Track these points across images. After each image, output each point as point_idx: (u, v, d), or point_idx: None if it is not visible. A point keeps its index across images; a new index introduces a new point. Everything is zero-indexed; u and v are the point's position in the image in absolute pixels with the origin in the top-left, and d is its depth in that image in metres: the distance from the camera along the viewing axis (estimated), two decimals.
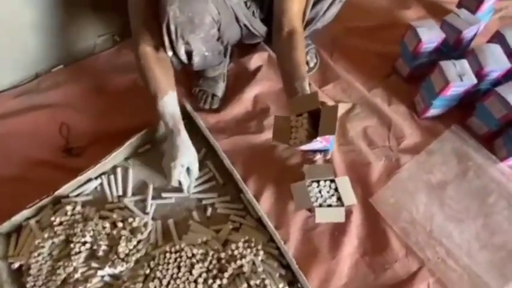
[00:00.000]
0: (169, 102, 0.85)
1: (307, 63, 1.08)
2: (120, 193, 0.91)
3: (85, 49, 1.18)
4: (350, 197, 0.84)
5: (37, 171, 0.96)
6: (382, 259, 0.84)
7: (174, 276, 0.77)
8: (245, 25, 0.92)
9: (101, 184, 0.92)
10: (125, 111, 1.05)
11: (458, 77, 0.86)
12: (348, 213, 0.86)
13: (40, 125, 1.04)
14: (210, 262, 0.78)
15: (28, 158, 0.98)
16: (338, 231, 0.87)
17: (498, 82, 0.92)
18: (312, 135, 0.73)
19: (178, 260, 0.78)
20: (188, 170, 0.87)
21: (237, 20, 0.90)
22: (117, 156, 0.92)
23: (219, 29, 0.86)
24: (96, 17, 1.15)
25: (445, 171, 0.93)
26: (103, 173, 0.93)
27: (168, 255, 0.79)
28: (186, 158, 0.85)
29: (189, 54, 0.86)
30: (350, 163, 0.95)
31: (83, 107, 1.07)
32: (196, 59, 0.88)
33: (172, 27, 0.77)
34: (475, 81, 0.86)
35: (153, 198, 0.90)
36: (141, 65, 0.84)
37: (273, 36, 0.89)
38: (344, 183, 0.85)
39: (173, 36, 0.79)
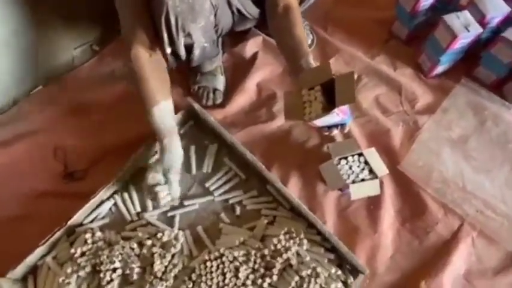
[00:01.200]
0: (166, 110, 0.78)
1: None
2: (139, 209, 0.84)
3: (63, 65, 1.08)
4: (381, 167, 0.82)
5: (40, 204, 0.87)
6: (422, 223, 0.83)
7: (220, 284, 0.72)
8: (237, 9, 0.87)
9: (115, 204, 0.84)
10: (119, 122, 0.97)
11: (465, 28, 0.85)
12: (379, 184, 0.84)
13: (31, 154, 0.94)
14: (254, 262, 0.74)
15: (27, 192, 0.89)
16: (373, 204, 0.84)
17: (498, 29, 0.92)
18: (327, 108, 0.69)
19: (221, 266, 0.73)
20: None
21: (229, 4, 0.84)
22: (126, 173, 0.85)
23: (215, 16, 0.80)
24: (69, 28, 1.05)
25: (464, 125, 0.92)
26: (115, 192, 0.85)
27: (208, 264, 0.73)
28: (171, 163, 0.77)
29: (189, 48, 0.80)
30: (369, 134, 0.93)
31: (74, 126, 0.98)
32: (196, 52, 0.82)
33: (172, 19, 0.71)
34: (480, 29, 0.86)
35: (176, 207, 0.84)
36: (134, 69, 0.77)
37: (268, 14, 0.85)
38: (372, 155, 0.83)
39: (173, 29, 0.73)
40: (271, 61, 1.03)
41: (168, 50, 0.77)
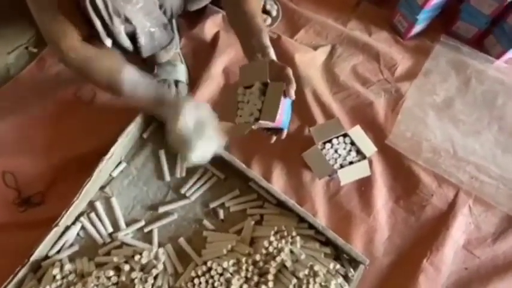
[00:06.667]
0: (134, 70, 0.68)
1: (269, 13, 0.94)
2: (111, 229, 0.75)
3: None
4: (369, 146, 0.76)
5: None
6: (417, 198, 0.78)
7: None
8: None
9: (83, 228, 0.75)
10: (74, 134, 0.85)
11: None
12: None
13: None
14: (246, 270, 0.67)
15: None
16: (364, 185, 0.79)
17: None
18: (256, 118, 0.59)
19: (211, 281, 0.66)
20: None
21: None
22: (90, 189, 0.75)
23: None
24: None
25: (447, 87, 0.87)
26: (80, 214, 0.76)
27: (196, 281, 0.66)
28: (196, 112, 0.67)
29: (132, 36, 0.69)
30: (351, 110, 0.86)
31: (21, 145, 0.85)
32: (142, 39, 0.70)
33: (100, 3, 0.59)
34: None
35: (152, 221, 0.75)
36: (74, 63, 0.65)
37: None
38: (358, 134, 0.77)
39: (105, 15, 0.61)
40: (235, 41, 0.91)
41: (108, 43, 0.66)
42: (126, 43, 0.68)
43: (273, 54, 0.64)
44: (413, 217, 0.77)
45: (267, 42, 0.65)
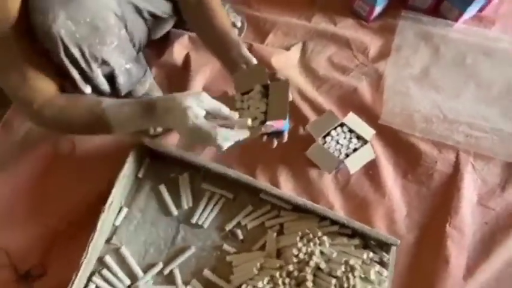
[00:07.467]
0: (112, 98, 0.62)
1: (234, 24, 0.93)
2: (128, 282, 0.70)
3: None
4: (367, 129, 0.77)
5: None
6: (423, 168, 0.80)
7: None
8: (149, 12, 0.73)
9: (97, 287, 0.69)
10: (60, 191, 0.79)
11: None
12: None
13: None
14: (283, 283, 0.65)
15: None
16: (370, 169, 0.79)
17: None
18: (261, 121, 0.59)
19: None
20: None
21: (139, 11, 0.70)
22: (96, 245, 0.69)
23: (126, 28, 0.66)
24: None
25: (420, 58, 0.90)
26: (91, 274, 0.70)
27: None
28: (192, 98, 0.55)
29: (109, 77, 0.66)
30: (338, 99, 0.87)
31: (6, 217, 0.78)
32: (121, 78, 0.68)
33: (76, 52, 0.55)
34: None
35: (170, 261, 0.71)
36: (48, 116, 0.59)
37: (181, 7, 0.73)
38: (353, 120, 0.77)
39: (83, 64, 0.58)
40: (208, 59, 0.90)
41: (88, 90, 0.62)
42: (104, 86, 0.65)
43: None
44: (425, 187, 0.79)
45: (248, 53, 0.64)
